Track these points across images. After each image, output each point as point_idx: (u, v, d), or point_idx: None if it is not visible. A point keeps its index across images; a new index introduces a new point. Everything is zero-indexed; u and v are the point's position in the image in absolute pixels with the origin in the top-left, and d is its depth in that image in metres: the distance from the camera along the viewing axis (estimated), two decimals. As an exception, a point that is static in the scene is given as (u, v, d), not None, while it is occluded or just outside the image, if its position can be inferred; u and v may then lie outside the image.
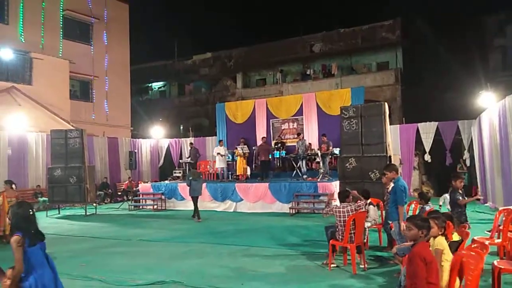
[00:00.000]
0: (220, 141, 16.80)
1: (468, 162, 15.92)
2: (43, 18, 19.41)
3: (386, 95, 21.50)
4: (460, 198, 6.88)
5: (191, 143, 18.29)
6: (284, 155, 16.30)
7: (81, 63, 20.48)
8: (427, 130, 15.99)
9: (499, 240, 6.19)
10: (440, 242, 3.94)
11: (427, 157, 15.94)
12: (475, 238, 5.85)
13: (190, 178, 12.34)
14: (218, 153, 15.56)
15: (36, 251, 3.59)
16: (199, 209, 12.14)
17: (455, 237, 4.71)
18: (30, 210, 3.73)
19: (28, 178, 15.67)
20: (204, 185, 14.48)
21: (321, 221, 10.34)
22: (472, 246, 4.61)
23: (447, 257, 3.83)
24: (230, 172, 16.17)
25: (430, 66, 23.20)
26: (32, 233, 3.60)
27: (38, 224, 3.75)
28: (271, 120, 17.74)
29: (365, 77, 22.71)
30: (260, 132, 17.45)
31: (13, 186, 9.27)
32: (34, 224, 3.69)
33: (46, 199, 14.86)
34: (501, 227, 6.49)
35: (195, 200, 12.19)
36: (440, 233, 4.07)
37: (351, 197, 6.71)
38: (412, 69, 22.82)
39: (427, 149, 15.90)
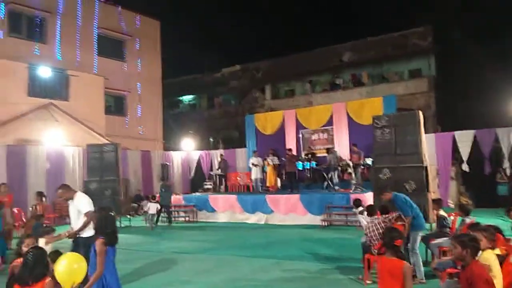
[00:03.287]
0: (254, 151, 16.68)
1: (508, 171, 15.19)
2: (79, 37, 20.23)
3: (420, 103, 20.95)
4: None
5: (221, 155, 18.38)
6: (314, 166, 16.09)
7: (115, 78, 21.11)
8: (464, 139, 15.38)
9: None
10: (487, 257, 3.71)
11: (465, 167, 15.31)
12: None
13: (163, 189, 14.76)
14: (253, 164, 15.52)
15: (108, 252, 3.86)
16: (230, 220, 12.21)
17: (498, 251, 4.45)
18: (111, 212, 4.14)
19: (66, 191, 16.14)
20: (235, 197, 14.52)
21: (354, 234, 10.09)
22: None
23: (495, 273, 3.60)
24: (260, 184, 16.06)
25: (465, 72, 22.44)
26: (108, 233, 3.91)
27: (116, 226, 4.13)
28: (301, 131, 17.61)
29: (397, 85, 22.25)
30: (290, 143, 17.33)
31: (43, 198, 9.66)
32: (112, 226, 4.02)
33: (82, 211, 15.23)
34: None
35: (165, 207, 14.31)
36: (489, 246, 3.85)
37: (377, 211, 6.59)
38: (446, 76, 22.17)
39: (465, 158, 15.28)
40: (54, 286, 3.36)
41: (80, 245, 5.12)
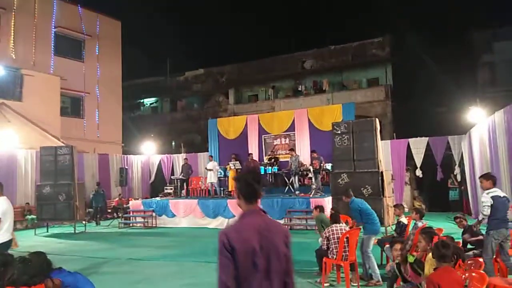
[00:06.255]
0: (210, 156, 16.77)
1: (459, 177, 16.00)
2: (35, 35, 19.41)
3: (377, 110, 21.69)
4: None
5: (185, 159, 18.17)
6: (276, 170, 16.25)
7: (73, 79, 20.43)
8: (418, 146, 16.07)
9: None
10: (432, 258, 3.91)
11: (419, 172, 15.99)
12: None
13: (93, 194, 16.68)
14: (207, 168, 15.68)
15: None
16: (191, 225, 12.14)
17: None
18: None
19: (17, 196, 15.38)
20: (196, 201, 14.40)
21: (314, 238, 10.24)
22: (468, 262, 4.59)
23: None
24: (222, 188, 16.08)
25: (420, 81, 23.49)
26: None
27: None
28: (263, 136, 17.74)
29: (356, 93, 22.92)
30: (252, 148, 17.42)
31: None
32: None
33: (35, 216, 14.59)
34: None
35: (96, 210, 16.38)
36: (428, 247, 4.10)
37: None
38: (402, 84, 23.08)
39: (418, 164, 15.96)
40: None
41: None
